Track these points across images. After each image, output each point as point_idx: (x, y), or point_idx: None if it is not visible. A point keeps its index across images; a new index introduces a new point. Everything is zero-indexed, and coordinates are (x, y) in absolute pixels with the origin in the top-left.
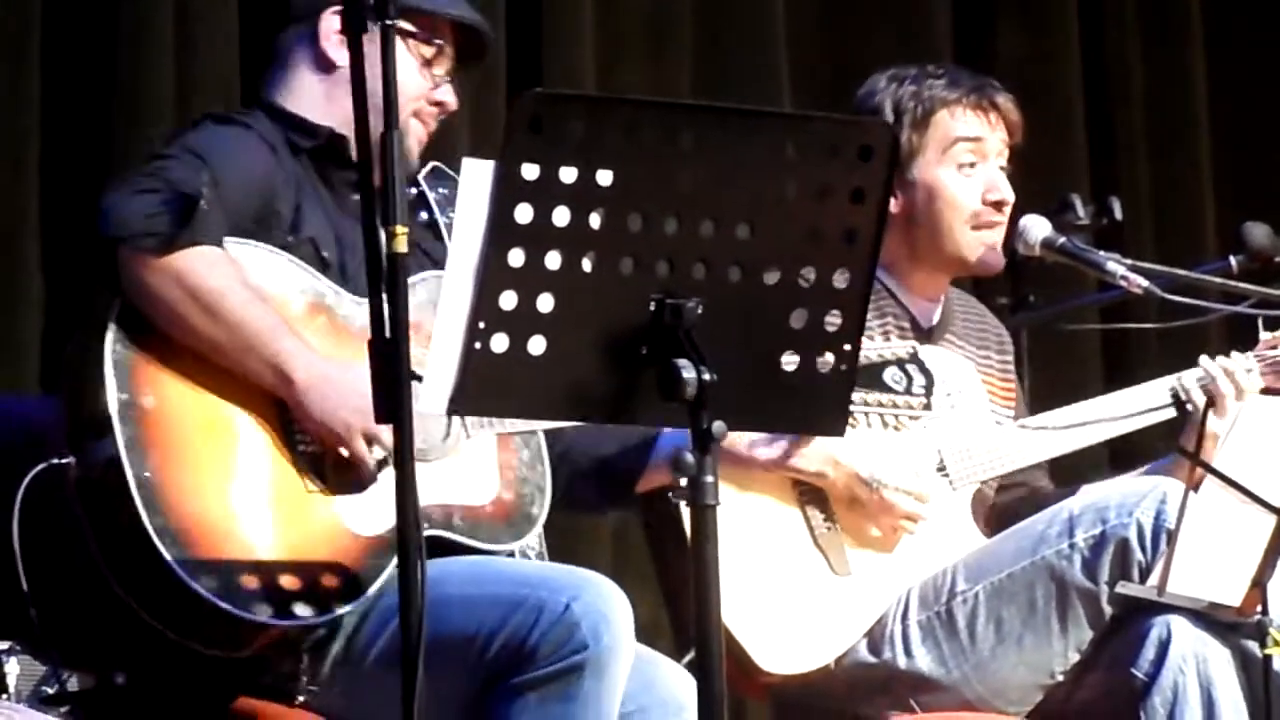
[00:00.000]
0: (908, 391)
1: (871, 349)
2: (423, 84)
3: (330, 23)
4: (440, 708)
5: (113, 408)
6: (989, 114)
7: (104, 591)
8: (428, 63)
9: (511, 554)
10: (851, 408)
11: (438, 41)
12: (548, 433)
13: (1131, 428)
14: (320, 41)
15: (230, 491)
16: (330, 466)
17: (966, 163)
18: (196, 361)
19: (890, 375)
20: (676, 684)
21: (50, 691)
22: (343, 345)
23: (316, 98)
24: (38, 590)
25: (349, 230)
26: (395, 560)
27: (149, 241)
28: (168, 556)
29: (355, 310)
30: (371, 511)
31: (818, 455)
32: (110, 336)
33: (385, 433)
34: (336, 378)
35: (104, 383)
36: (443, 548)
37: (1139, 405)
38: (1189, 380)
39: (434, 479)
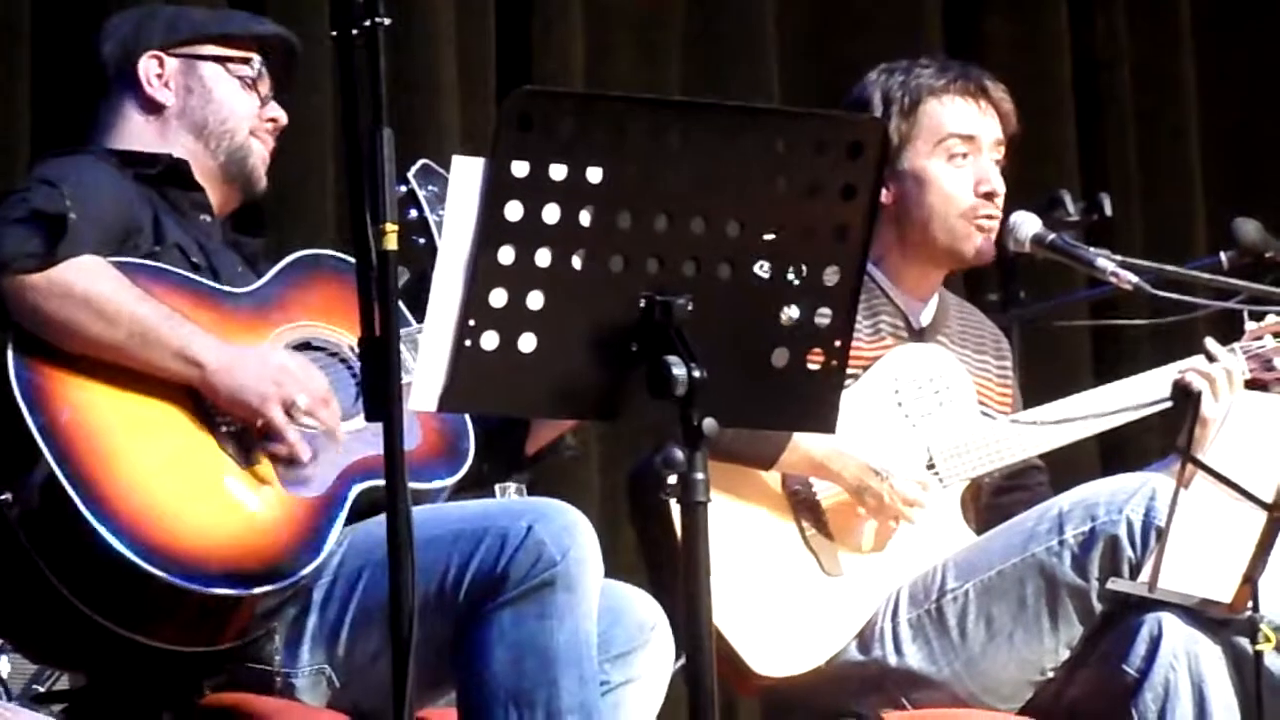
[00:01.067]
0: None
1: None
2: (252, 103)
3: (149, 67)
4: (424, 664)
5: (34, 432)
6: (978, 101)
7: (71, 615)
8: (250, 83)
9: (457, 493)
10: None
11: (251, 59)
12: None
13: (1123, 421)
14: (143, 88)
15: (167, 482)
16: (256, 441)
17: (959, 153)
18: (100, 366)
19: None
20: (640, 608)
21: (42, 689)
22: (234, 335)
23: (149, 136)
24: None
25: (209, 245)
26: (344, 516)
27: (28, 263)
28: (129, 554)
29: (237, 302)
30: (307, 474)
31: (824, 444)
32: (11, 365)
33: (300, 396)
34: (243, 355)
35: (18, 413)
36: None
37: (1131, 399)
38: (1184, 370)
39: (360, 439)
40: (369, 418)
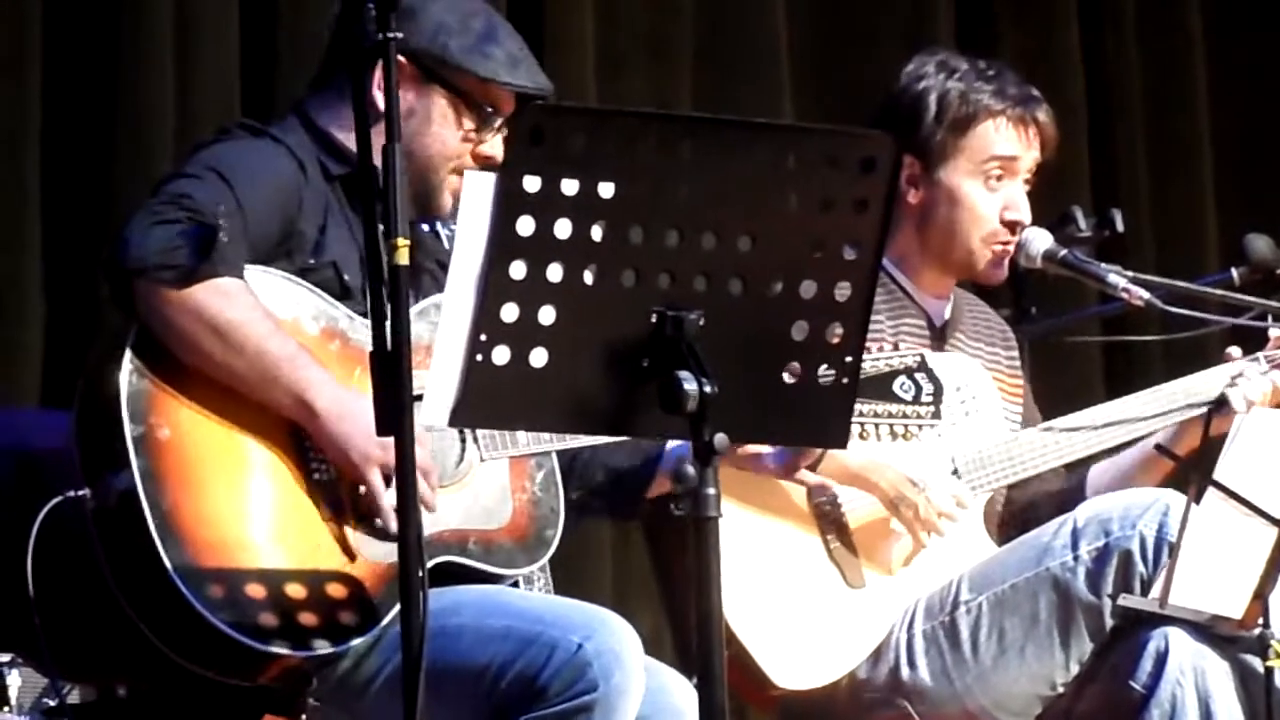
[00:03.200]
0: (916, 400)
1: (879, 359)
2: (466, 146)
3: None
4: None
5: (129, 441)
6: (1028, 129)
7: (119, 618)
8: (477, 126)
9: (520, 579)
10: (860, 419)
11: (491, 111)
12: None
13: (1145, 430)
14: (372, 89)
15: (246, 522)
16: (346, 494)
17: (995, 176)
18: (211, 390)
19: (899, 385)
20: (679, 693)
21: (51, 704)
22: (357, 371)
23: (352, 137)
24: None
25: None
26: None
27: (167, 275)
28: (185, 591)
29: (369, 335)
30: (387, 540)
31: (860, 454)
32: (126, 366)
33: None
34: (356, 406)
35: (119, 416)
36: (456, 574)
37: (1154, 409)
38: (1214, 377)
39: (448, 505)
40: (380, 433)
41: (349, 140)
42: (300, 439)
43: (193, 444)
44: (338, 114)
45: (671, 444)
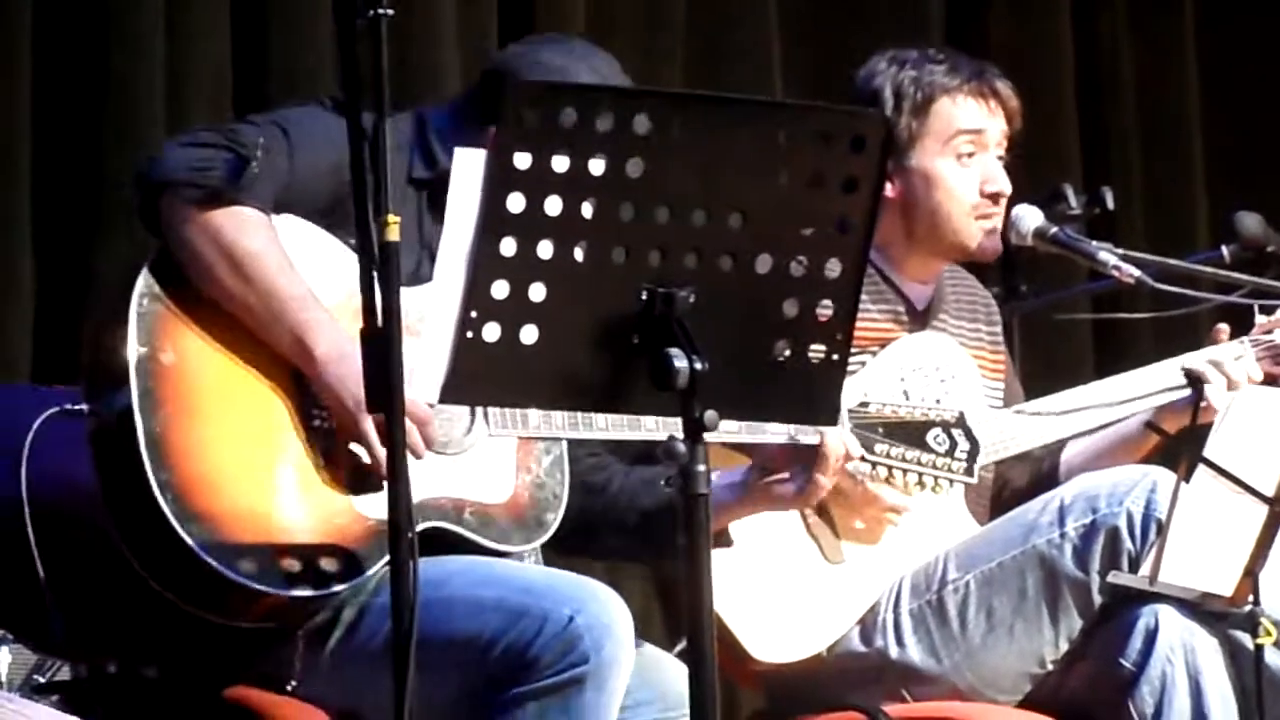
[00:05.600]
0: (949, 454)
1: (919, 408)
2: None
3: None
4: (436, 707)
5: (131, 361)
6: (989, 101)
7: (104, 543)
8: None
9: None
10: (889, 461)
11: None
12: (586, 484)
13: (1128, 412)
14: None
15: (238, 457)
16: (342, 445)
17: (966, 153)
18: (222, 320)
19: (933, 436)
20: (672, 677)
21: (42, 680)
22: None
23: (446, 155)
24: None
25: (421, 260)
26: None
27: (191, 193)
28: (167, 511)
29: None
30: (381, 496)
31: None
32: (140, 285)
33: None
34: (357, 354)
35: (126, 335)
36: (449, 542)
37: (1136, 390)
38: (1198, 360)
39: (450, 472)
40: (370, 410)
41: (443, 157)
42: (303, 383)
43: (195, 373)
44: (449, 132)
45: (714, 476)
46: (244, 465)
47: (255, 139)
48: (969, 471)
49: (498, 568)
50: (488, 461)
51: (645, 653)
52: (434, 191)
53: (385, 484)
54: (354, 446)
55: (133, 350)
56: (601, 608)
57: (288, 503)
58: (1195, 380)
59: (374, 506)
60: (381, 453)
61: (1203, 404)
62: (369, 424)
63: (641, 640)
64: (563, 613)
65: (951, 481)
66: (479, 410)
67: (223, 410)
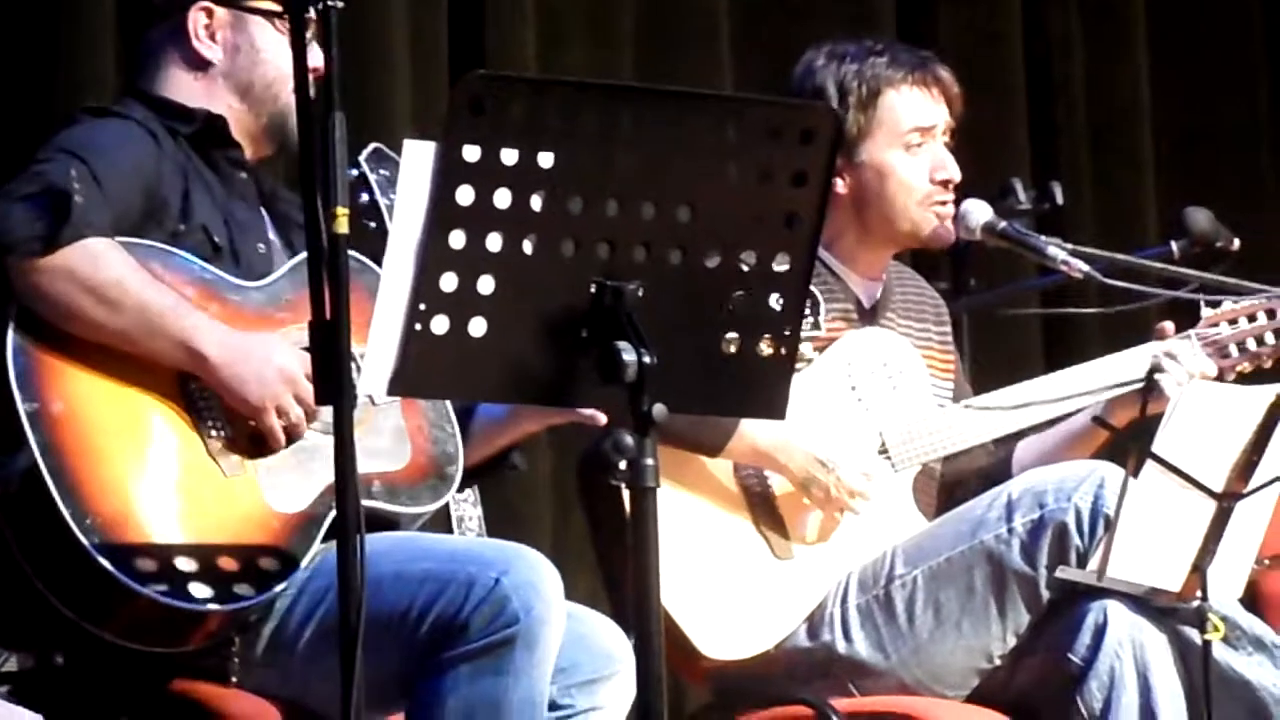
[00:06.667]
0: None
1: None
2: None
3: (197, 20)
4: (372, 685)
5: (23, 420)
6: (932, 90)
7: (38, 599)
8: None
9: (443, 522)
10: None
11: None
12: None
13: (1074, 407)
14: (189, 40)
15: (151, 486)
16: (244, 446)
17: (914, 143)
18: (99, 357)
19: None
20: (608, 637)
21: None
22: (239, 329)
23: (193, 92)
24: None
25: (238, 211)
26: (322, 535)
27: (33, 246)
28: (104, 563)
29: (247, 295)
30: (292, 488)
31: (770, 435)
32: (10, 345)
33: (295, 406)
34: (246, 350)
35: (10, 396)
36: (366, 519)
37: (1085, 384)
38: (1151, 353)
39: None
40: (319, 401)
41: (189, 99)
42: (191, 393)
43: (88, 414)
44: (165, 81)
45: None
46: (160, 494)
47: (65, 173)
48: (815, 325)
49: (422, 541)
50: (380, 432)
51: (574, 613)
52: (200, 138)
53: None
54: (259, 440)
55: (21, 409)
56: (529, 568)
57: (210, 518)
58: (1152, 370)
59: (289, 501)
60: (282, 443)
61: (1152, 396)
62: (271, 419)
63: (569, 602)
64: (489, 575)
65: (815, 348)
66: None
67: (124, 445)
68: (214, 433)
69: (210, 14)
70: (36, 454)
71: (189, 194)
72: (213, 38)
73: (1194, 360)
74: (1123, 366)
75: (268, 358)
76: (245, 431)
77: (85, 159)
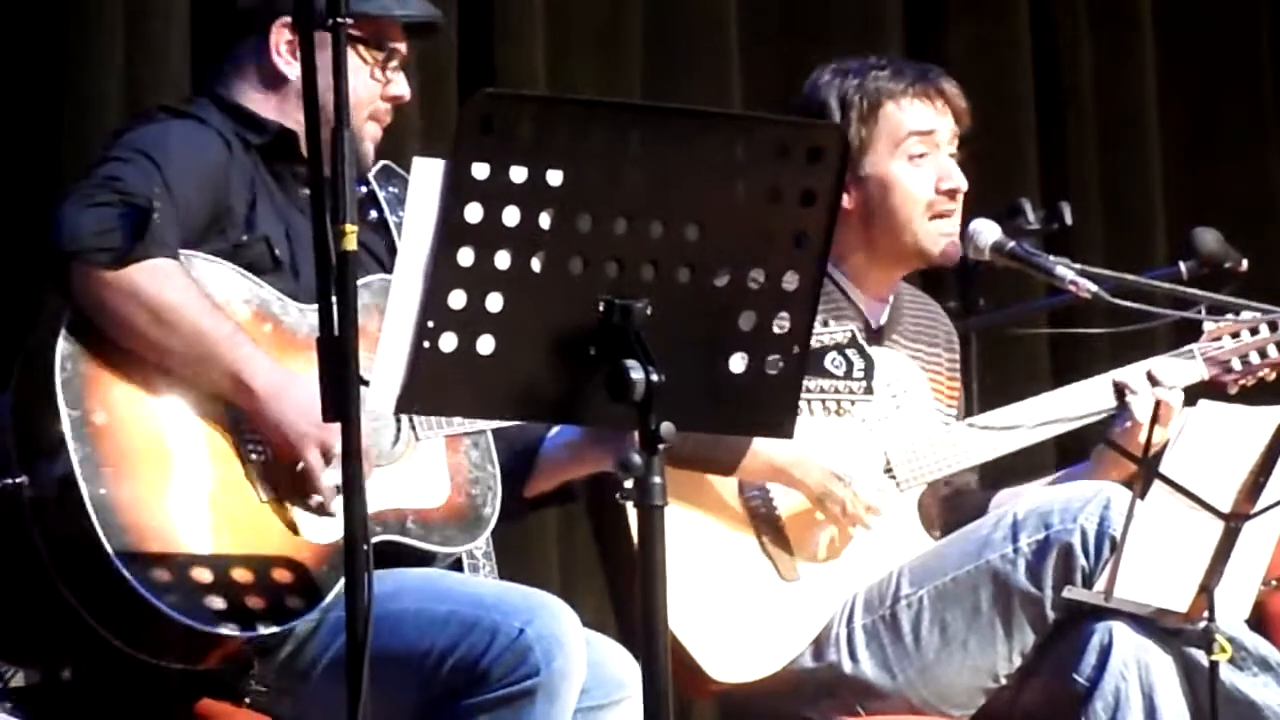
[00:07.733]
0: (848, 376)
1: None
2: (374, 88)
3: (280, 35)
4: (389, 710)
5: (65, 427)
6: (935, 101)
7: (62, 607)
8: (380, 65)
9: (460, 562)
10: None
11: (390, 45)
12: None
13: (1077, 425)
14: (270, 54)
15: (186, 506)
16: (284, 475)
17: (917, 154)
18: (146, 372)
19: (830, 360)
20: (617, 664)
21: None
22: (288, 354)
23: (267, 105)
24: None
25: (301, 225)
26: None
27: (102, 257)
28: (129, 576)
29: (300, 318)
30: (326, 519)
31: (786, 450)
32: (60, 350)
33: (337, 444)
34: (293, 387)
35: (55, 401)
36: (397, 554)
37: (1084, 403)
38: (1131, 374)
39: (386, 484)
40: (326, 418)
41: (262, 110)
42: (236, 420)
43: (130, 429)
44: (242, 90)
45: (550, 434)
46: (193, 515)
47: (146, 186)
48: (868, 390)
49: (449, 581)
50: (420, 467)
51: (590, 640)
52: (269, 151)
53: (329, 512)
54: (298, 474)
55: (65, 416)
56: (552, 619)
57: (241, 544)
58: (1120, 391)
59: (321, 531)
60: (326, 482)
61: (1127, 420)
62: (314, 455)
63: (590, 632)
64: (513, 625)
65: (854, 402)
66: (404, 418)
67: (162, 463)
68: (254, 457)
69: (293, 30)
70: (75, 463)
71: (254, 204)
72: (293, 54)
73: (1178, 374)
74: (1092, 393)
75: (312, 393)
76: (289, 463)
77: (160, 164)
